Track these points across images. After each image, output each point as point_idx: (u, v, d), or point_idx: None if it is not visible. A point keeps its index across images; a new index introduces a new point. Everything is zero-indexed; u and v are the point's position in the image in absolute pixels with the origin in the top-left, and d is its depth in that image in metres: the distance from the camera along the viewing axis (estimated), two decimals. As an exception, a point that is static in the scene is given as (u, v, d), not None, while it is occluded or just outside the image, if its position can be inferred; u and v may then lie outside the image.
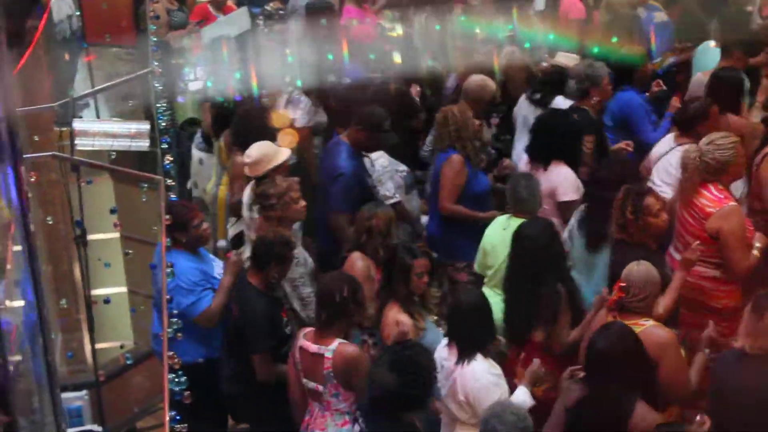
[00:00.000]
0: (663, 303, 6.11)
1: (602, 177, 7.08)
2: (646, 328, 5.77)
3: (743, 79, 8.35)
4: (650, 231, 6.48)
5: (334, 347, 5.88)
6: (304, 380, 5.99)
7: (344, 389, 5.87)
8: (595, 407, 5.33)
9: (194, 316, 6.81)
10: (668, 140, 7.79)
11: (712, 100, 7.80)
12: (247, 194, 7.47)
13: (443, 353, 5.91)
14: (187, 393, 5.59)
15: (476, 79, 8.51)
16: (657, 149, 7.81)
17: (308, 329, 6.09)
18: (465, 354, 5.80)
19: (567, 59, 9.05)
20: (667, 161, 7.55)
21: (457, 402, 5.81)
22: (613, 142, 8.31)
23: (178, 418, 5.21)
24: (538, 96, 8.77)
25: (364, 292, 6.09)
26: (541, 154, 7.62)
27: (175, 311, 6.77)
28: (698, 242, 6.62)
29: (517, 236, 6.49)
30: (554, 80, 8.82)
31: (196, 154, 9.09)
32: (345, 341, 5.93)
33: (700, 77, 8.77)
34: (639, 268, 5.87)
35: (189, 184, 9.22)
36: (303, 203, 7.08)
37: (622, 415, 5.29)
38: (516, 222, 6.87)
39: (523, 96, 8.92)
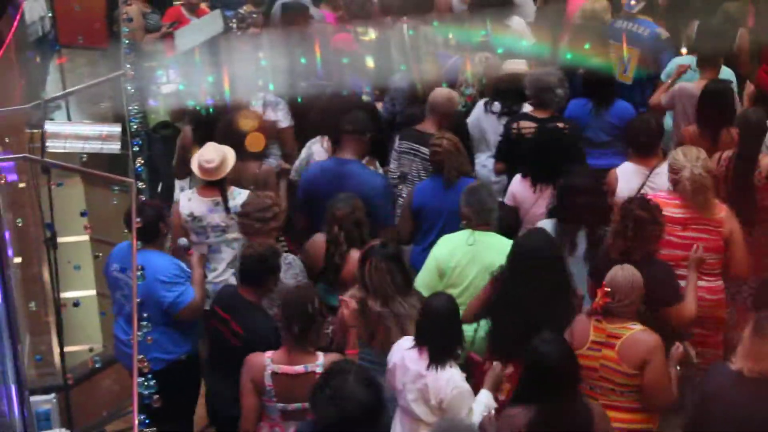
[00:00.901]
0: (689, 306, 6.35)
1: (574, 187, 7.03)
2: (634, 332, 5.86)
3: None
4: (654, 242, 6.51)
5: (322, 362, 5.86)
6: (280, 405, 5.92)
7: None
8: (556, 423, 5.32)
9: (181, 308, 6.87)
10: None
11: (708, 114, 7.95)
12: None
13: (410, 355, 5.87)
14: (156, 397, 5.59)
15: (442, 92, 8.36)
16: (623, 168, 7.79)
17: (268, 354, 5.96)
18: (437, 359, 5.79)
19: (516, 65, 8.95)
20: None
21: (427, 405, 5.81)
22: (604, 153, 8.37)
23: (147, 422, 5.21)
24: (499, 106, 8.64)
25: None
26: (551, 173, 7.47)
27: (165, 306, 6.81)
28: (714, 254, 6.81)
29: (524, 249, 6.33)
30: (515, 88, 8.66)
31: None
32: (325, 353, 5.93)
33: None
34: (624, 273, 5.94)
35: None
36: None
37: (584, 423, 5.34)
38: (483, 236, 6.82)
39: (479, 106, 8.79)
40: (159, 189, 9.65)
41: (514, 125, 8.24)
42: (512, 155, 8.07)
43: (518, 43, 9.61)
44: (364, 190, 7.46)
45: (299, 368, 5.85)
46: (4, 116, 7.73)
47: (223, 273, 7.43)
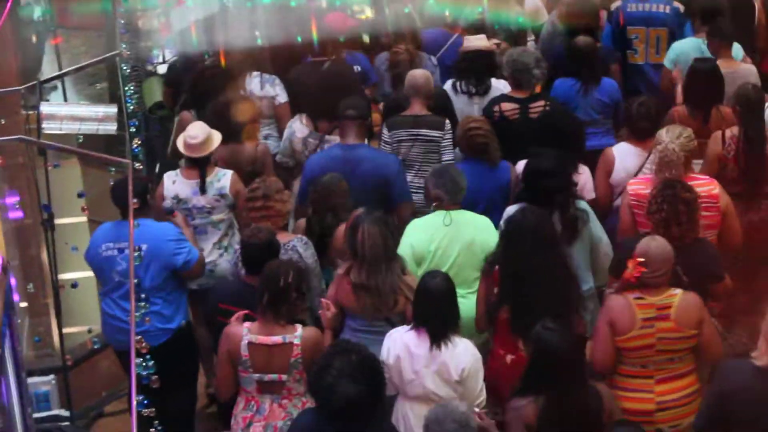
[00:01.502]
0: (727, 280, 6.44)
1: (541, 170, 6.91)
2: (681, 296, 5.90)
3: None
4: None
5: (301, 333, 5.87)
6: (256, 375, 5.90)
7: (305, 374, 5.82)
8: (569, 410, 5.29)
9: (193, 264, 6.88)
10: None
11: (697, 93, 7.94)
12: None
13: (412, 341, 5.82)
14: (155, 377, 5.60)
15: (420, 73, 8.23)
16: (620, 148, 7.72)
17: (246, 324, 5.94)
18: (438, 338, 5.76)
19: (477, 41, 8.74)
20: None
21: (448, 383, 5.75)
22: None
23: (145, 402, 5.22)
24: (470, 85, 8.55)
25: (309, 282, 6.08)
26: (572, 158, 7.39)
27: (179, 264, 6.81)
28: (712, 231, 6.80)
29: (523, 228, 6.22)
30: (485, 65, 8.59)
31: None
32: (303, 326, 5.93)
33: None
34: (657, 244, 5.91)
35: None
36: None
37: (596, 407, 5.32)
38: (458, 214, 6.77)
39: (447, 86, 8.65)
40: (156, 170, 9.62)
41: (496, 108, 8.13)
42: (499, 138, 7.76)
43: (514, 21, 9.54)
44: (381, 171, 7.43)
45: (277, 338, 5.85)
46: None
47: (210, 254, 7.38)
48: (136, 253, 6.13)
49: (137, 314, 6.47)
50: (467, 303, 6.41)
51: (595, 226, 6.93)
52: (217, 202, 7.40)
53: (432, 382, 5.78)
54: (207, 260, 7.24)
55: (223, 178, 7.44)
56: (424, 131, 7.92)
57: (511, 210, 6.87)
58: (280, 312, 5.88)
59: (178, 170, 7.58)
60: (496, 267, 6.27)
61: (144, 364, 5.45)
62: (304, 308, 6.14)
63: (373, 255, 6.22)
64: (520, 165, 7.59)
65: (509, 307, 6.18)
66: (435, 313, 5.81)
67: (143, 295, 6.66)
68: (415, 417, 5.80)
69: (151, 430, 5.45)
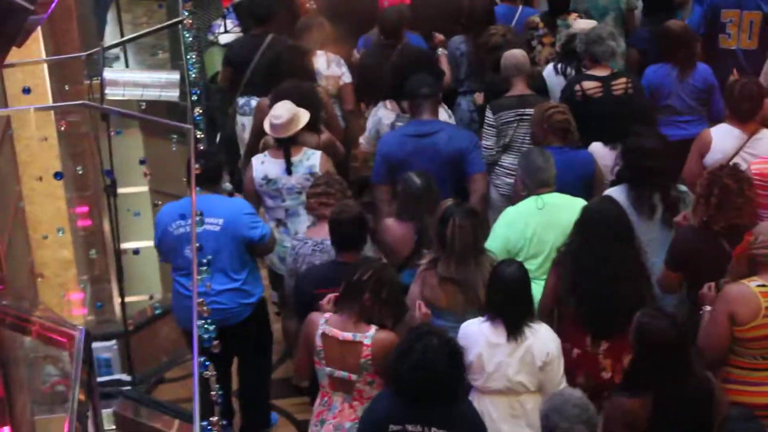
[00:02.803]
0: None
1: (643, 149, 6.80)
2: None
3: None
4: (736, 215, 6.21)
5: (372, 334, 5.67)
6: (328, 369, 5.77)
7: (379, 376, 5.67)
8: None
9: (268, 239, 6.86)
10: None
11: None
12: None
13: (489, 331, 5.66)
14: (216, 342, 5.60)
15: (519, 52, 8.05)
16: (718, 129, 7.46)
17: (327, 314, 5.82)
18: (514, 330, 5.62)
19: (585, 24, 8.54)
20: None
21: (531, 372, 5.63)
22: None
23: (206, 364, 5.22)
24: (572, 68, 8.37)
25: (395, 284, 5.85)
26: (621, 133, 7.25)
27: (257, 239, 6.76)
28: None
29: (602, 217, 6.07)
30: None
31: (248, 120, 8.78)
32: (379, 328, 5.71)
33: None
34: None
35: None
36: None
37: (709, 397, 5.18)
38: (550, 197, 6.60)
39: (549, 69, 8.52)
40: (217, 140, 9.65)
41: (577, 87, 7.95)
42: (580, 119, 7.59)
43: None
44: (456, 144, 7.37)
45: (347, 335, 5.69)
46: (63, 64, 7.78)
47: None
48: (198, 218, 6.10)
49: (219, 292, 6.54)
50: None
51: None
52: (308, 182, 7.16)
53: (515, 370, 5.63)
54: None
55: (312, 157, 7.30)
56: (530, 111, 7.68)
57: (611, 191, 6.77)
58: (352, 309, 5.72)
59: (266, 151, 7.46)
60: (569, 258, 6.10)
61: (206, 326, 5.44)
62: (388, 315, 5.79)
63: (463, 248, 6.07)
64: (594, 146, 7.49)
65: (579, 301, 6.01)
66: (509, 304, 5.67)
67: (222, 272, 6.69)
68: (497, 411, 5.68)
69: (212, 393, 5.46)
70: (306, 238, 6.75)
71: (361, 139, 8.30)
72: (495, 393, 5.70)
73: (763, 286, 5.57)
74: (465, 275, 6.08)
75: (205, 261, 6.52)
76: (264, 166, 7.34)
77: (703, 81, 8.28)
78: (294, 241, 6.87)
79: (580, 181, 7.21)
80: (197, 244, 6.70)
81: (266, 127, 7.35)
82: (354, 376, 5.70)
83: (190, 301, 6.60)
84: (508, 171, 7.71)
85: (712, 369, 5.57)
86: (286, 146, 7.29)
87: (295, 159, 7.28)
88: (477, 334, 5.67)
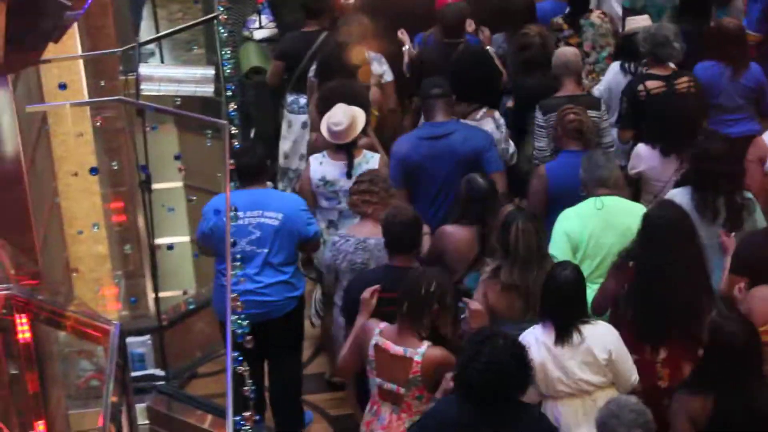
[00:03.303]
0: None
1: (710, 152, 6.68)
2: None
3: None
4: None
5: (423, 351, 5.61)
6: (378, 379, 5.74)
7: (428, 391, 5.64)
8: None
9: (318, 236, 6.89)
10: None
11: None
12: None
13: (544, 336, 5.57)
14: (249, 337, 5.61)
15: (569, 50, 7.97)
16: None
17: (382, 325, 5.78)
18: (564, 335, 5.53)
19: (642, 22, 8.43)
20: None
21: (597, 368, 5.55)
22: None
23: (240, 359, 5.24)
24: (639, 66, 8.17)
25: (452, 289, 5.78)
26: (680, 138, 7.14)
27: (311, 235, 6.78)
28: None
29: (665, 222, 5.96)
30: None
31: (296, 118, 8.73)
32: (431, 344, 5.63)
33: None
34: None
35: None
36: None
37: None
38: (609, 200, 6.50)
39: (614, 68, 8.31)
40: (251, 135, 9.67)
41: (641, 87, 7.82)
42: (644, 118, 7.54)
43: None
44: (471, 144, 7.29)
45: (398, 349, 5.64)
46: (98, 60, 7.82)
47: None
48: (232, 213, 6.10)
49: (269, 285, 6.64)
50: None
51: (760, 218, 6.65)
52: None
53: (581, 370, 5.55)
54: None
55: (371, 160, 7.22)
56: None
57: (675, 193, 6.69)
58: (420, 323, 5.63)
59: (325, 151, 7.35)
60: (630, 263, 6.00)
61: (239, 321, 5.46)
62: (450, 322, 5.73)
63: (527, 254, 5.98)
64: (639, 147, 7.37)
65: (636, 308, 5.91)
66: (562, 308, 5.59)
67: (274, 265, 6.72)
68: (568, 415, 5.60)
69: (245, 389, 5.47)
70: (348, 235, 6.70)
71: None
72: (565, 397, 5.61)
73: None
74: (527, 281, 5.99)
75: (261, 251, 6.63)
76: (322, 167, 7.26)
77: (755, 80, 8.15)
78: (335, 237, 6.83)
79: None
80: (256, 236, 6.76)
81: (325, 133, 7.22)
82: (402, 390, 5.66)
83: (249, 295, 6.58)
84: None
85: None
86: (348, 150, 7.20)
87: (355, 162, 7.22)
88: (536, 342, 5.57)
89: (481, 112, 7.71)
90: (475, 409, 4.99)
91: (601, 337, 5.56)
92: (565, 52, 7.94)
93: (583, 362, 5.55)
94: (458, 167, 7.11)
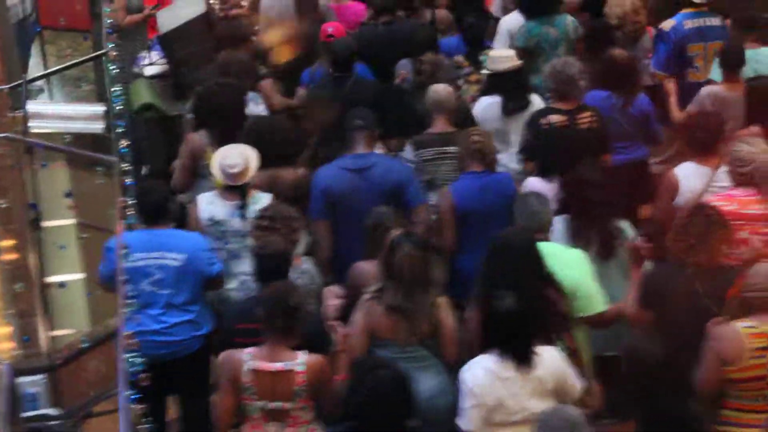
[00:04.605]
0: None
1: (582, 180, 6.84)
2: None
3: None
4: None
5: (304, 360, 5.67)
6: (260, 403, 5.72)
7: (311, 400, 5.70)
8: None
9: (221, 275, 6.85)
10: None
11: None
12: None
13: (495, 366, 5.51)
14: (144, 375, 5.60)
15: (442, 88, 8.02)
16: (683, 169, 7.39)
17: (248, 350, 5.74)
18: (524, 361, 5.50)
19: (510, 60, 8.47)
20: None
21: (545, 393, 5.51)
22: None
23: (133, 397, 5.22)
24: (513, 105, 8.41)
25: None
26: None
27: (214, 274, 6.73)
28: None
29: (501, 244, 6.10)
30: (520, 81, 8.45)
31: None
32: (306, 352, 5.70)
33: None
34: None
35: None
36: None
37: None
38: (549, 249, 6.34)
39: (496, 105, 8.38)
40: (143, 172, 9.61)
41: (543, 120, 7.93)
42: (543, 152, 7.70)
43: None
44: (393, 176, 7.37)
45: (279, 365, 5.67)
46: (-15, 98, 7.74)
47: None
48: (124, 251, 6.10)
49: (174, 325, 6.60)
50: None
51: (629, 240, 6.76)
52: None
53: (531, 399, 5.50)
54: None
55: (260, 201, 7.13)
56: (452, 149, 7.68)
57: (556, 220, 6.76)
58: (292, 334, 5.68)
59: (214, 192, 7.28)
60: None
61: (132, 360, 5.45)
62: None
63: (411, 278, 6.02)
64: (531, 181, 7.50)
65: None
66: (515, 335, 5.53)
67: (178, 305, 6.69)
68: None
69: (139, 427, 5.45)
70: None
71: None
72: (519, 424, 5.53)
73: (752, 327, 5.54)
74: (411, 303, 6.03)
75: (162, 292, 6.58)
76: (212, 207, 7.20)
77: (641, 110, 8.37)
78: (243, 276, 6.83)
79: (502, 202, 7.20)
80: (157, 277, 6.73)
81: (218, 174, 7.15)
82: (289, 404, 5.69)
83: (154, 336, 6.63)
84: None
85: (709, 409, 5.54)
86: (242, 191, 7.15)
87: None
88: (485, 372, 5.52)
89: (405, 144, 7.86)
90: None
91: (547, 365, 5.54)
92: (438, 90, 8.03)
93: (534, 390, 5.52)
94: (380, 200, 7.14)
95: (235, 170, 7.08)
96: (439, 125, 7.94)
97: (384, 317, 6.07)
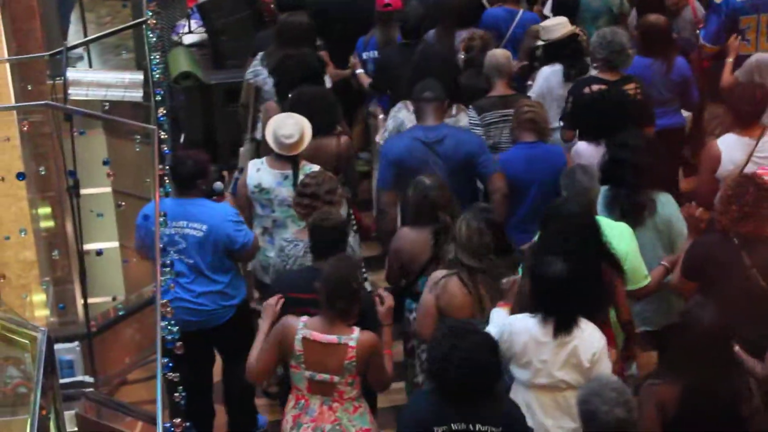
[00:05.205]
0: None
1: (628, 141, 6.76)
2: None
3: None
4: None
5: (356, 336, 5.66)
6: (308, 372, 5.71)
7: (359, 377, 5.70)
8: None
9: (250, 246, 6.81)
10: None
11: None
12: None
13: (536, 328, 5.52)
14: (179, 343, 5.59)
15: (499, 52, 8.03)
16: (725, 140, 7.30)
17: (304, 318, 5.74)
18: (564, 328, 5.50)
19: (566, 25, 8.44)
20: None
21: (579, 369, 5.52)
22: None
23: (170, 365, 5.21)
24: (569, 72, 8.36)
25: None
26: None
27: (238, 245, 6.70)
28: None
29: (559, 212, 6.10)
30: (576, 49, 8.37)
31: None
32: (361, 329, 5.70)
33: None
34: None
35: None
36: None
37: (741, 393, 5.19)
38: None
39: (558, 73, 8.32)
40: (181, 140, 9.62)
41: (587, 89, 7.81)
42: (588, 118, 7.50)
43: None
44: (464, 147, 7.28)
45: (332, 338, 5.65)
46: (25, 64, 7.75)
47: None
48: (161, 218, 6.08)
49: (200, 294, 6.62)
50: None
51: (665, 212, 6.68)
52: None
53: (561, 370, 5.54)
54: None
55: (309, 173, 7.04)
56: (512, 111, 7.58)
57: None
58: (351, 315, 5.70)
59: (264, 159, 7.26)
60: None
61: (169, 327, 5.43)
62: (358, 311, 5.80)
63: (469, 243, 6.02)
64: (579, 145, 7.40)
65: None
66: (559, 302, 5.53)
67: (205, 275, 6.69)
68: (541, 407, 5.60)
69: (175, 395, 5.45)
70: (297, 239, 6.63)
71: (378, 138, 8.22)
72: (540, 388, 5.61)
73: None
74: (482, 280, 6.03)
75: (188, 261, 6.60)
76: (259, 174, 7.17)
77: (681, 75, 8.30)
78: (282, 242, 6.76)
79: (550, 174, 7.16)
80: (182, 246, 6.74)
81: (272, 143, 7.11)
82: (336, 378, 5.68)
83: (182, 303, 6.63)
84: None
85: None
86: (295, 161, 7.11)
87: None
88: (524, 331, 5.56)
89: (454, 108, 7.77)
90: (449, 404, 5.06)
91: (587, 340, 5.54)
92: (495, 54, 8.03)
93: (567, 362, 5.53)
94: (452, 173, 7.12)
95: (291, 140, 7.04)
96: (500, 88, 7.90)
97: (456, 294, 6.04)
